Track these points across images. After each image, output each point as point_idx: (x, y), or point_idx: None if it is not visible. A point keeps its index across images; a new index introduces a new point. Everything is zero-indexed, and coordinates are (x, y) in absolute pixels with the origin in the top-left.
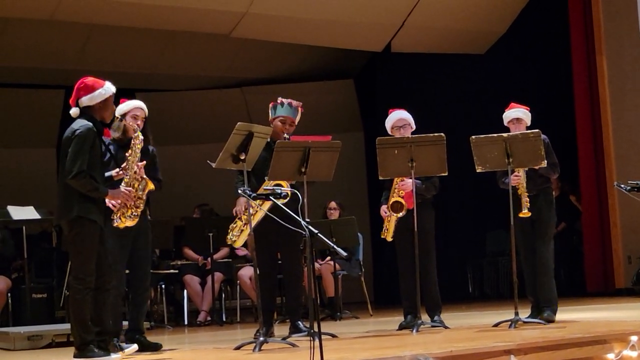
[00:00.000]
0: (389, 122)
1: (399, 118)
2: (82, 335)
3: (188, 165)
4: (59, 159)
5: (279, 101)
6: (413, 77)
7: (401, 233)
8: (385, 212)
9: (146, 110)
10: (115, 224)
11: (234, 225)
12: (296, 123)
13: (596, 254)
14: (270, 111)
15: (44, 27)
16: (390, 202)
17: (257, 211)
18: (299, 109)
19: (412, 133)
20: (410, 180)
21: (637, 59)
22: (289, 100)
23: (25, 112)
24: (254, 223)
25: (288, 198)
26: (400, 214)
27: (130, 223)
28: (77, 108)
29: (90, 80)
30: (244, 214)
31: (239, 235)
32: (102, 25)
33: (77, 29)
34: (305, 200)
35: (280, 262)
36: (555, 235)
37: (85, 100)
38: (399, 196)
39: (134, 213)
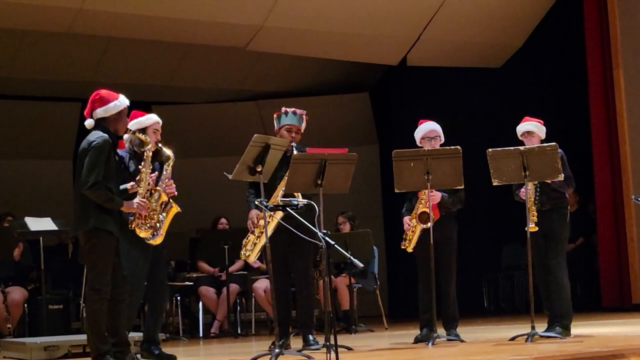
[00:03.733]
0: (419, 133)
1: (431, 129)
2: (98, 345)
3: (203, 178)
4: (75, 171)
5: (282, 110)
6: (429, 90)
7: (422, 245)
8: (409, 223)
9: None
10: (148, 241)
11: (247, 240)
12: (302, 131)
13: (612, 268)
14: (275, 121)
15: (61, 40)
16: (419, 212)
17: (269, 222)
18: (304, 116)
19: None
20: (437, 192)
21: None
22: (293, 109)
23: (43, 124)
24: (268, 233)
25: (304, 209)
26: (428, 225)
27: (144, 234)
28: (92, 120)
29: (104, 92)
30: (256, 227)
31: (252, 250)
32: (118, 38)
33: (94, 41)
34: (321, 212)
35: (292, 274)
36: (572, 250)
37: (100, 112)
38: (426, 207)
39: (149, 225)
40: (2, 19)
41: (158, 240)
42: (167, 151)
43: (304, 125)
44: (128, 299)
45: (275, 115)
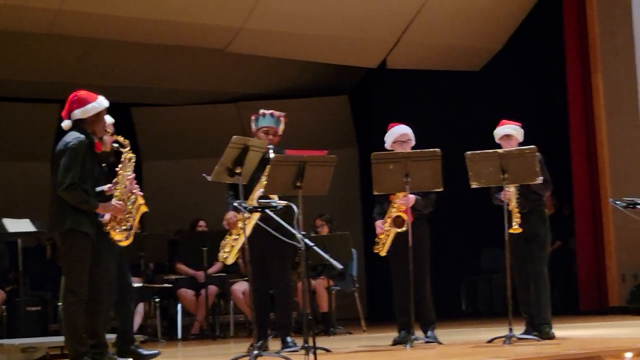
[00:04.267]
0: (390, 137)
1: (402, 133)
2: (76, 347)
3: (182, 180)
4: (52, 172)
5: (260, 113)
6: (408, 93)
7: (396, 248)
8: (382, 227)
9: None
10: (118, 244)
11: (224, 242)
12: (280, 133)
13: (590, 272)
14: (252, 124)
15: (40, 41)
16: (393, 217)
17: (246, 224)
18: (282, 119)
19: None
20: (411, 195)
21: (632, 76)
22: (271, 110)
23: (21, 125)
24: (244, 237)
25: (283, 211)
26: (402, 228)
27: (119, 237)
28: (69, 121)
29: (83, 93)
30: (233, 229)
31: (230, 252)
32: (98, 40)
33: (74, 43)
34: (300, 214)
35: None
36: (550, 254)
37: (78, 114)
38: (400, 211)
39: (124, 227)
40: None
41: (128, 242)
42: (121, 139)
43: (281, 127)
44: (106, 300)
45: (253, 118)
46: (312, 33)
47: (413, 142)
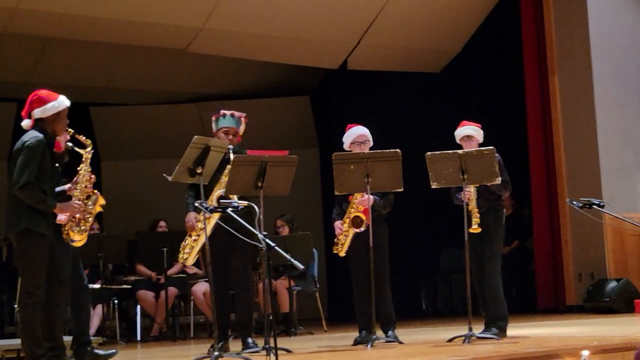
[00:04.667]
0: (348, 138)
1: (360, 134)
2: (33, 350)
3: (142, 180)
4: (9, 171)
5: (220, 113)
6: (369, 94)
7: (355, 249)
8: (341, 228)
9: None
10: (72, 244)
11: (185, 243)
12: (240, 133)
13: (547, 271)
14: (213, 124)
15: None
16: (351, 217)
17: (206, 224)
18: (242, 119)
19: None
20: (370, 196)
21: (588, 79)
22: (231, 111)
23: None
24: (203, 239)
25: (244, 211)
26: (361, 229)
27: (78, 237)
28: (29, 120)
29: (43, 92)
30: (193, 230)
31: (190, 253)
32: (56, 38)
33: (31, 41)
34: (261, 214)
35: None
36: (508, 253)
37: (38, 113)
38: (358, 212)
39: (82, 227)
40: None
41: (83, 242)
42: (82, 139)
43: (242, 128)
44: (63, 302)
45: (213, 118)
46: (274, 34)
47: (371, 143)
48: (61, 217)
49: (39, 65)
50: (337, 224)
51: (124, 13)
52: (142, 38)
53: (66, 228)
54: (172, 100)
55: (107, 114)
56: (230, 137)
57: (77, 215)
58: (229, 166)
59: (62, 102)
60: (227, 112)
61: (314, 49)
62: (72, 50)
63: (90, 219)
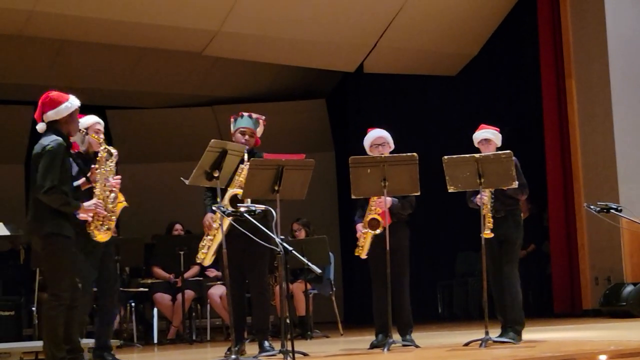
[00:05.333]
0: (367, 140)
1: (378, 136)
2: (54, 352)
3: (158, 183)
4: (29, 176)
5: (239, 114)
6: (385, 97)
7: (375, 251)
8: (361, 230)
9: (103, 126)
10: (95, 238)
11: (202, 244)
12: (258, 135)
13: (564, 275)
14: (231, 125)
15: (13, 43)
16: (368, 219)
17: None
18: (260, 120)
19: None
20: (387, 198)
21: (606, 82)
22: (249, 112)
23: None
24: (219, 238)
25: (261, 215)
26: (377, 231)
27: (102, 236)
28: (43, 123)
29: (54, 94)
30: (209, 231)
31: (207, 253)
32: (72, 41)
33: (47, 44)
34: (278, 218)
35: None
36: (524, 257)
37: (52, 115)
38: (376, 214)
39: (106, 227)
40: None
41: (106, 239)
42: (112, 150)
43: (260, 129)
44: (80, 304)
45: (231, 119)
46: (290, 37)
47: (391, 146)
48: (83, 216)
49: (55, 68)
50: (359, 226)
51: (140, 16)
52: (159, 41)
53: (91, 227)
54: (188, 103)
55: (123, 116)
56: (247, 137)
57: (102, 214)
58: (242, 166)
59: (74, 102)
60: (245, 113)
61: (331, 52)
62: (88, 53)
63: (113, 217)
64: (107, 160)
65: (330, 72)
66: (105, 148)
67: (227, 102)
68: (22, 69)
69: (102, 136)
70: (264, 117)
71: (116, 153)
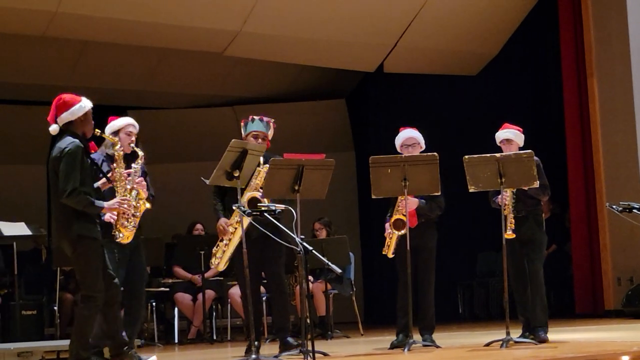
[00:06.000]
0: (398, 140)
1: (409, 137)
2: (79, 351)
3: (179, 183)
4: (49, 179)
5: (249, 118)
6: (405, 97)
7: (401, 251)
8: (388, 229)
9: (137, 128)
10: (117, 239)
11: (217, 249)
12: (269, 138)
13: (586, 275)
14: (242, 129)
15: (36, 43)
16: (393, 220)
17: (236, 230)
18: (271, 124)
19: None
20: (413, 199)
21: (627, 81)
22: (260, 116)
23: (16, 128)
24: (236, 241)
25: (281, 215)
26: (402, 231)
27: (129, 234)
28: (56, 125)
29: (67, 96)
30: (224, 235)
31: (222, 258)
32: (94, 42)
33: (70, 45)
34: (298, 217)
35: (265, 280)
36: (546, 257)
37: (67, 116)
38: (402, 214)
39: (132, 224)
40: None
41: (129, 239)
42: (139, 152)
43: (271, 132)
44: (117, 301)
45: (242, 123)
46: (310, 37)
47: (422, 147)
48: (107, 216)
49: (77, 69)
50: (387, 225)
51: (161, 16)
52: (180, 41)
53: (118, 226)
54: (208, 103)
55: (144, 117)
56: (260, 140)
57: (128, 211)
58: (258, 168)
59: (87, 103)
60: (256, 117)
61: (351, 52)
62: (110, 53)
63: (138, 214)
64: (133, 160)
65: (350, 72)
66: (121, 148)
67: (248, 102)
68: (44, 69)
69: (133, 138)
70: (273, 120)
71: (142, 154)
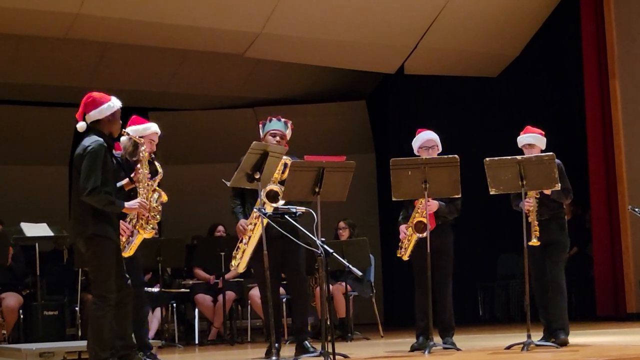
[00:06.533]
0: (416, 142)
1: (427, 139)
2: (98, 352)
3: (200, 185)
4: (71, 177)
5: (267, 118)
6: (425, 99)
7: (420, 253)
8: (405, 232)
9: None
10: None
11: (236, 251)
12: (287, 138)
13: (607, 278)
14: (260, 130)
15: (58, 45)
16: (414, 222)
17: (254, 231)
18: (289, 124)
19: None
20: (434, 201)
21: None
22: (278, 116)
23: (39, 129)
24: (254, 243)
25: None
26: (424, 234)
27: (148, 235)
28: (84, 123)
29: (97, 94)
30: (244, 236)
31: (242, 259)
32: (116, 44)
33: (91, 47)
34: (318, 219)
35: (285, 282)
36: (567, 259)
37: (95, 114)
38: (422, 216)
39: (151, 226)
40: None
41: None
42: (159, 169)
43: (289, 132)
44: (130, 301)
45: (260, 124)
46: (330, 38)
47: (440, 149)
48: (123, 228)
49: (99, 70)
50: (402, 227)
51: (182, 18)
52: (200, 43)
53: (137, 226)
54: (229, 105)
55: (165, 118)
56: (278, 139)
57: (146, 214)
58: (288, 171)
59: (116, 103)
60: (274, 117)
61: (371, 54)
62: (132, 55)
63: (158, 216)
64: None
65: (371, 73)
66: (145, 149)
67: (268, 103)
68: (66, 71)
69: (154, 147)
70: (291, 122)
71: (161, 173)
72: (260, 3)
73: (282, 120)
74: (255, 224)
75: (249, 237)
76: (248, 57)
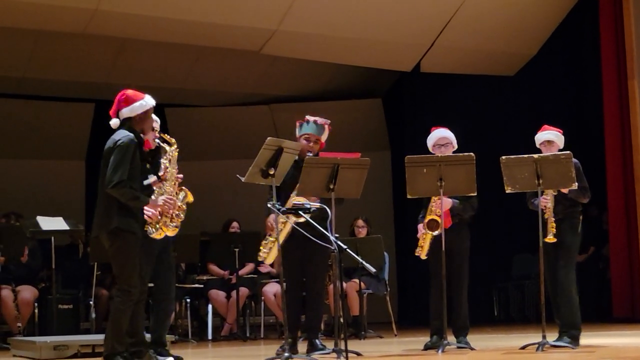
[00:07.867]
0: (430, 140)
1: (442, 136)
2: (114, 345)
3: (215, 181)
4: (100, 170)
5: (305, 119)
6: (441, 97)
7: (435, 252)
8: (421, 230)
9: (159, 122)
10: (152, 235)
11: (265, 242)
12: (323, 140)
13: (624, 279)
14: (296, 130)
15: (75, 41)
16: (427, 220)
17: (284, 226)
18: (326, 126)
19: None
20: (447, 199)
21: None
22: (315, 118)
23: (56, 124)
24: (281, 239)
25: (316, 213)
26: (436, 232)
27: (171, 233)
28: (117, 119)
29: (130, 92)
30: (272, 231)
31: (269, 252)
32: (133, 40)
33: (109, 43)
34: (333, 216)
35: (304, 279)
36: (584, 260)
37: (126, 112)
38: (436, 215)
39: (175, 224)
40: (17, 19)
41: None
42: (166, 146)
43: (324, 135)
44: (144, 299)
45: (297, 124)
46: (347, 36)
47: (455, 146)
48: (148, 213)
49: (116, 66)
50: (420, 226)
51: (199, 15)
52: (217, 40)
53: (160, 224)
54: (245, 101)
55: (181, 115)
56: (311, 144)
57: (171, 211)
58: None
59: (149, 101)
60: (311, 119)
61: (388, 51)
62: (149, 51)
63: (182, 215)
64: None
65: (387, 71)
66: (176, 148)
67: (284, 100)
68: (84, 66)
69: (157, 134)
70: (329, 122)
71: (169, 149)
72: (277, 0)
73: (319, 123)
74: (287, 220)
75: (280, 229)
76: (264, 54)
